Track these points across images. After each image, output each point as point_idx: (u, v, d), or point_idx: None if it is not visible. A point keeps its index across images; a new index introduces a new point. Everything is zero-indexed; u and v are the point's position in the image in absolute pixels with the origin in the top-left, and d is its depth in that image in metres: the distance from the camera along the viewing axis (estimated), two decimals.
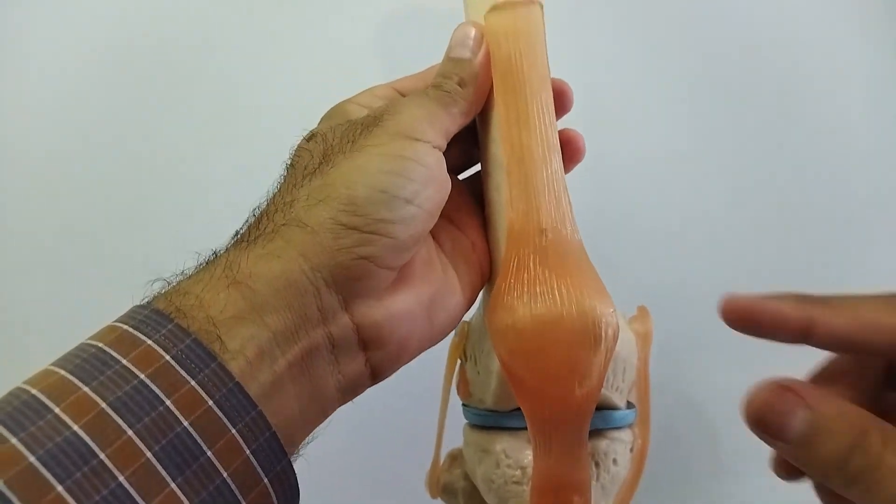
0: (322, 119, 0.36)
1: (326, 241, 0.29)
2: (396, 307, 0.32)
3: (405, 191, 0.30)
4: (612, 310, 0.32)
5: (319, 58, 0.65)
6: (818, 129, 0.62)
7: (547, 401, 0.32)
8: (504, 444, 0.35)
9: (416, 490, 0.40)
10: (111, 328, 0.27)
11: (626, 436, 0.36)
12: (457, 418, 0.39)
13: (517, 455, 0.35)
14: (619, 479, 0.35)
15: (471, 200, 0.39)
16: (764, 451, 0.27)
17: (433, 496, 0.40)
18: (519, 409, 0.33)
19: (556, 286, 0.32)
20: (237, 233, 0.32)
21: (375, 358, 0.32)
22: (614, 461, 0.35)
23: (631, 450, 0.36)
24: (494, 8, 0.35)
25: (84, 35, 0.64)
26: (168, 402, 0.25)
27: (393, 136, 0.31)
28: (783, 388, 0.24)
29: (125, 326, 0.27)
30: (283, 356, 0.28)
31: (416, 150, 0.31)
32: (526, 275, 0.32)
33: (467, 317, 0.38)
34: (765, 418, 0.24)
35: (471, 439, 0.37)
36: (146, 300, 0.29)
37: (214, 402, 0.25)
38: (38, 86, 0.64)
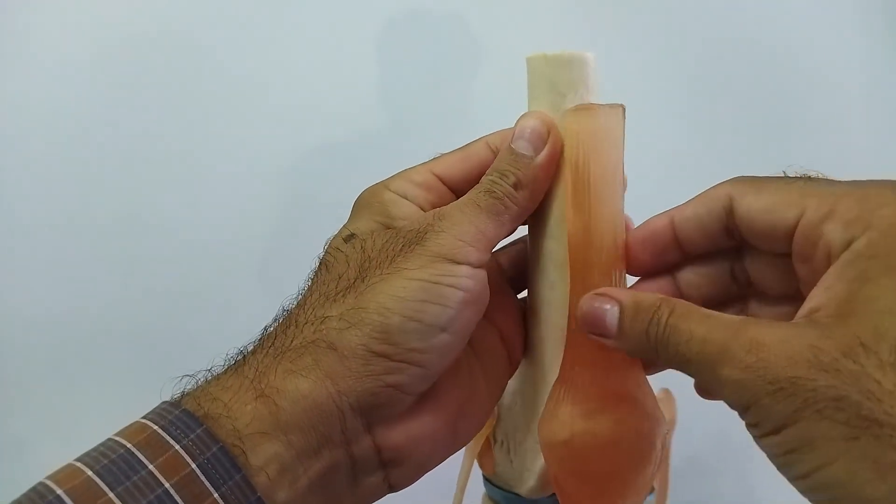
0: (356, 207, 0.34)
1: (355, 367, 0.29)
2: (420, 429, 0.31)
3: (440, 319, 0.29)
4: (664, 427, 0.33)
5: (320, 59, 0.64)
6: (818, 128, 0.64)
7: None
8: None
9: None
10: (141, 427, 0.27)
11: None
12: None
13: None
14: None
15: (502, 284, 0.37)
16: None
17: None
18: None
19: (613, 406, 0.32)
20: (265, 330, 0.31)
21: (395, 475, 0.31)
22: None
23: None
24: (578, 108, 0.32)
25: (83, 35, 0.63)
26: None
27: (433, 258, 0.30)
28: (597, 293, 0.30)
29: (155, 427, 0.27)
30: (304, 474, 0.28)
31: (457, 275, 0.30)
32: (585, 390, 0.32)
33: None
34: (590, 322, 0.30)
35: None
36: (175, 398, 0.29)
37: None
38: (37, 86, 0.63)
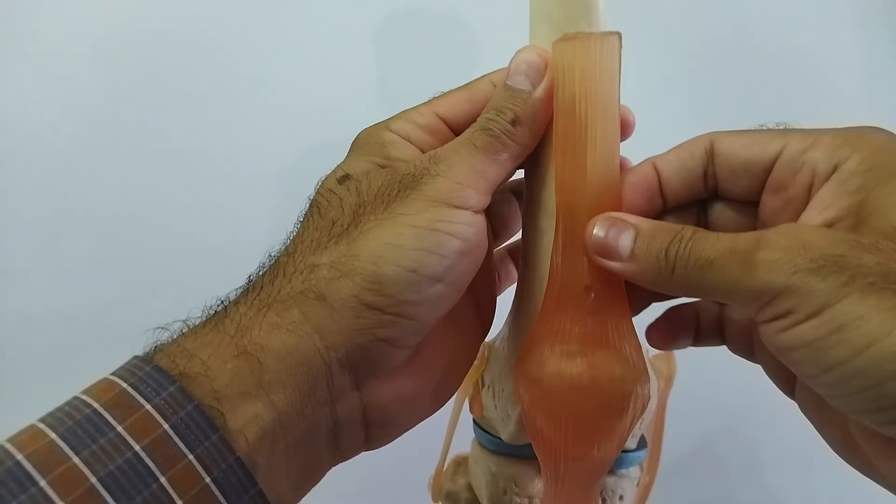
0: (354, 147, 0.33)
1: (345, 321, 0.27)
2: (407, 389, 0.30)
3: (436, 269, 0.28)
4: (645, 380, 0.31)
5: (319, 57, 0.65)
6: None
7: (563, 456, 0.32)
8: (513, 471, 0.35)
9: (419, 491, 0.41)
10: (109, 385, 0.25)
11: (634, 472, 0.36)
12: (465, 422, 0.39)
13: (526, 484, 0.35)
14: None
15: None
16: None
17: (435, 501, 0.41)
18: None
19: (591, 350, 0.31)
20: (249, 279, 0.29)
21: (375, 436, 0.31)
22: (620, 497, 0.36)
23: (637, 485, 0.37)
24: (565, 38, 0.30)
25: (81, 35, 0.64)
26: (162, 480, 0.23)
27: (430, 203, 0.28)
28: (613, 217, 0.29)
29: (124, 385, 0.25)
30: (283, 437, 0.27)
31: (454, 221, 0.28)
32: (563, 331, 0.31)
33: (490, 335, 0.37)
34: (601, 244, 0.29)
35: (479, 457, 0.37)
36: (147, 353, 0.28)
37: (212, 480, 0.24)
38: (37, 86, 0.64)
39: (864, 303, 0.22)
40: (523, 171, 0.34)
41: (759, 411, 0.58)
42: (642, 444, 0.37)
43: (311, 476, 0.29)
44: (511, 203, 0.37)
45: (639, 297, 0.33)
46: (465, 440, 0.40)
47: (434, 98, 0.33)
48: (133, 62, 0.63)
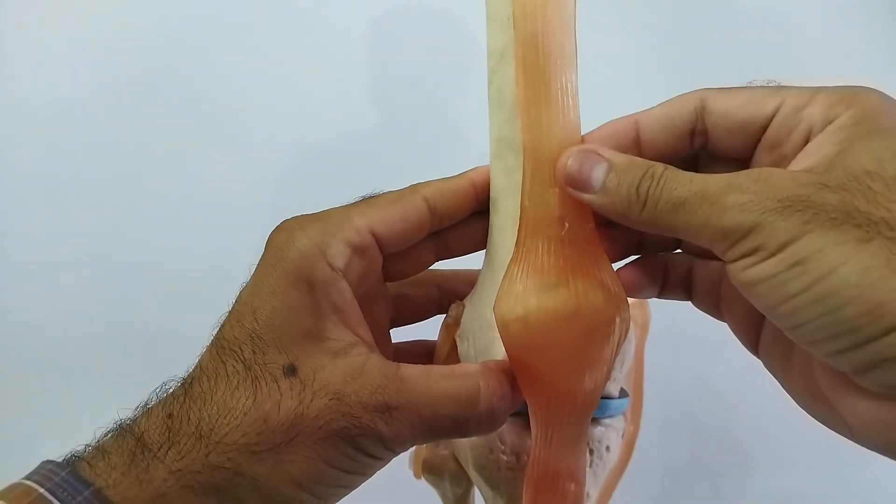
0: (279, 262, 0.30)
1: None
2: None
3: None
4: (626, 306, 0.31)
5: (313, 58, 0.66)
6: None
7: (553, 394, 0.31)
8: (499, 429, 0.34)
9: (401, 467, 0.39)
10: (26, 490, 0.26)
11: (619, 423, 0.36)
12: None
13: (513, 440, 0.34)
14: (610, 465, 0.36)
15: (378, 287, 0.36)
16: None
17: (417, 476, 0.39)
18: None
19: (571, 279, 0.31)
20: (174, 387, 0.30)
21: None
22: (607, 448, 0.35)
23: (622, 436, 0.36)
24: None
25: (80, 35, 0.64)
26: None
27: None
28: (587, 149, 0.30)
29: (40, 490, 0.26)
30: None
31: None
32: (540, 265, 0.31)
33: None
34: (573, 175, 0.29)
35: None
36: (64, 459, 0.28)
37: None
38: (36, 85, 0.65)
39: (824, 237, 0.23)
40: (488, 110, 0.34)
41: (756, 412, 0.59)
42: (624, 394, 0.36)
43: None
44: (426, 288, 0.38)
45: (616, 247, 0.33)
46: None
47: (368, 205, 0.32)
48: (132, 62, 0.64)
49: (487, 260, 0.35)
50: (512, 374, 0.31)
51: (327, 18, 0.67)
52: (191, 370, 0.29)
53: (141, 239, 0.66)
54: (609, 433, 0.35)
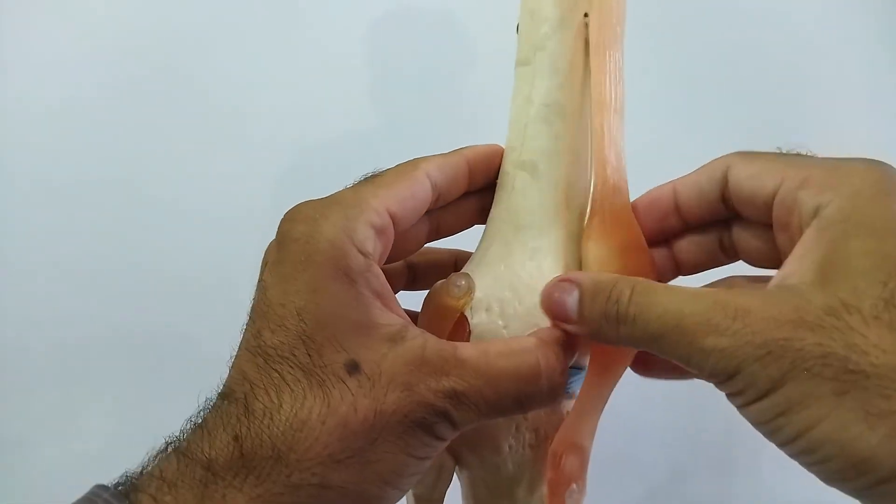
0: (313, 252, 0.28)
1: None
2: None
3: None
4: None
5: (312, 58, 0.66)
6: (818, 128, 0.63)
7: (622, 363, 0.32)
8: None
9: None
10: None
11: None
12: None
13: (532, 415, 0.32)
14: None
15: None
16: None
17: None
18: None
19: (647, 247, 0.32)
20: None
21: None
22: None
23: None
24: None
25: (79, 35, 0.64)
26: None
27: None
28: (560, 279, 0.30)
29: None
30: None
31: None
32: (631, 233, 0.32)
33: None
34: (552, 308, 0.29)
35: None
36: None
37: None
38: (36, 85, 0.65)
39: (802, 389, 0.23)
40: (525, 75, 0.34)
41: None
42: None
43: None
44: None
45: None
46: None
47: (376, 185, 0.31)
48: (132, 62, 0.64)
49: (511, 223, 0.33)
50: (567, 343, 0.30)
51: (327, 19, 0.67)
52: (231, 384, 0.27)
53: (141, 239, 0.65)
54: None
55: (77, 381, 0.67)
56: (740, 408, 0.25)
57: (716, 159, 0.31)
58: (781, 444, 0.25)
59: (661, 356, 0.27)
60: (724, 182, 0.30)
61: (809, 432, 0.23)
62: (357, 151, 0.68)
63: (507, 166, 0.34)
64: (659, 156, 0.61)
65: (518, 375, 0.28)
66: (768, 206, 0.29)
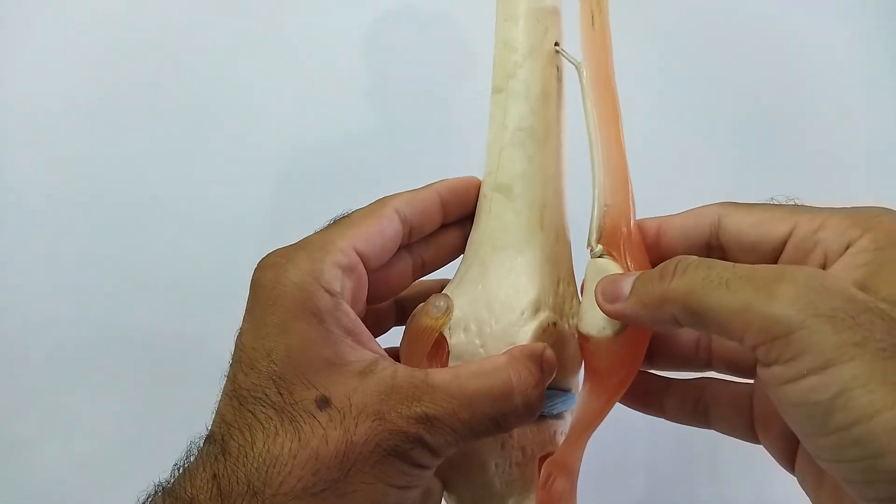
0: (279, 298, 0.29)
1: None
2: None
3: None
4: None
5: (312, 60, 0.66)
6: (818, 129, 0.63)
7: (623, 386, 0.31)
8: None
9: None
10: None
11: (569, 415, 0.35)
12: None
13: (518, 433, 0.33)
14: None
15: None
16: None
17: None
18: None
19: None
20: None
21: None
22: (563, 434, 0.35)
23: None
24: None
25: (78, 35, 0.65)
26: None
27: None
28: (613, 275, 0.30)
29: None
30: None
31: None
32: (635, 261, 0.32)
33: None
34: (606, 291, 0.29)
35: None
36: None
37: None
38: (36, 85, 0.65)
39: (871, 370, 0.21)
40: (499, 102, 0.34)
41: None
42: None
43: None
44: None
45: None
46: None
47: (344, 225, 0.31)
48: (131, 65, 0.65)
49: (489, 244, 0.34)
50: (539, 357, 0.30)
51: (326, 21, 0.67)
52: (212, 427, 0.28)
53: (141, 241, 0.65)
54: (566, 425, 0.34)
55: (77, 383, 0.68)
56: (788, 384, 0.22)
57: (703, 207, 0.31)
58: (828, 433, 0.22)
59: (704, 319, 0.25)
60: (714, 231, 0.30)
61: (871, 420, 0.21)
62: (357, 153, 0.69)
63: (485, 189, 0.35)
64: (659, 155, 0.61)
65: (491, 394, 0.28)
66: (775, 251, 0.28)
